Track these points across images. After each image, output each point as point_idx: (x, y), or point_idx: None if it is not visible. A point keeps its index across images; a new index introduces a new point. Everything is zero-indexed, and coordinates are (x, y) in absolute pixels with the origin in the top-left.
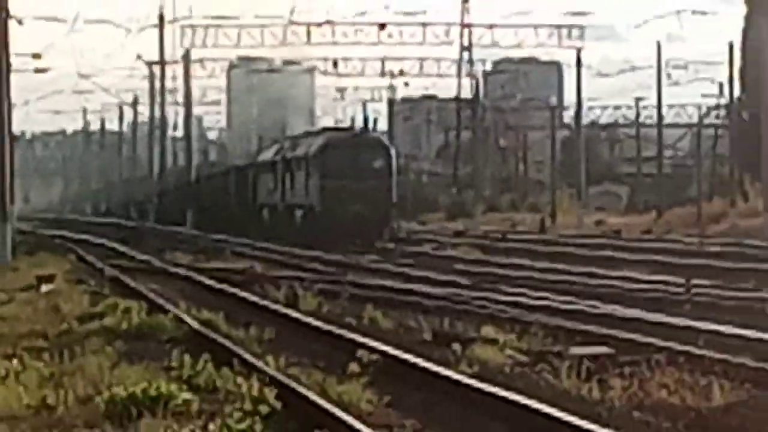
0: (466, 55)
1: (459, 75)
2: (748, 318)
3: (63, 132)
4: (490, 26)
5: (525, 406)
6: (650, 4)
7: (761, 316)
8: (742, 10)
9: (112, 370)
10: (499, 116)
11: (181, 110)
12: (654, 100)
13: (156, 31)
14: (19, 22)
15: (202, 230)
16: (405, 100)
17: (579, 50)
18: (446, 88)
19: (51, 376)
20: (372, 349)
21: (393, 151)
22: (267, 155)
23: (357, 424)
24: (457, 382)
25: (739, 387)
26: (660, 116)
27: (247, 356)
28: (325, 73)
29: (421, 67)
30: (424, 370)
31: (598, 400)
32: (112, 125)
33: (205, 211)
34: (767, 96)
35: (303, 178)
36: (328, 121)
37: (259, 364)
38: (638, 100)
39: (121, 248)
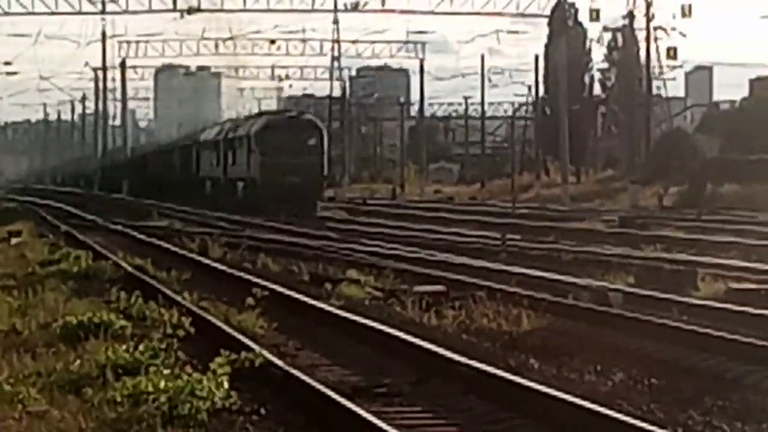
0: (336, 63)
1: (331, 79)
2: (549, 264)
3: (28, 121)
4: (354, 41)
5: (379, 330)
6: (476, 25)
7: (558, 262)
8: (546, 31)
9: (65, 303)
10: (361, 110)
11: (119, 105)
12: (478, 99)
13: (100, 44)
14: None
15: (135, 197)
16: (289, 98)
17: (422, 60)
18: (321, 89)
19: (19, 307)
20: (264, 287)
21: (325, 132)
22: (209, 135)
23: (252, 344)
24: (329, 312)
25: (542, 316)
26: (483, 111)
27: (169, 292)
28: (228, 77)
29: (302, 72)
30: (304, 303)
31: (435, 326)
32: (66, 116)
33: (149, 183)
34: (563, 96)
35: (245, 154)
36: (231, 114)
37: (178, 298)
38: (466, 98)
39: (73, 210)
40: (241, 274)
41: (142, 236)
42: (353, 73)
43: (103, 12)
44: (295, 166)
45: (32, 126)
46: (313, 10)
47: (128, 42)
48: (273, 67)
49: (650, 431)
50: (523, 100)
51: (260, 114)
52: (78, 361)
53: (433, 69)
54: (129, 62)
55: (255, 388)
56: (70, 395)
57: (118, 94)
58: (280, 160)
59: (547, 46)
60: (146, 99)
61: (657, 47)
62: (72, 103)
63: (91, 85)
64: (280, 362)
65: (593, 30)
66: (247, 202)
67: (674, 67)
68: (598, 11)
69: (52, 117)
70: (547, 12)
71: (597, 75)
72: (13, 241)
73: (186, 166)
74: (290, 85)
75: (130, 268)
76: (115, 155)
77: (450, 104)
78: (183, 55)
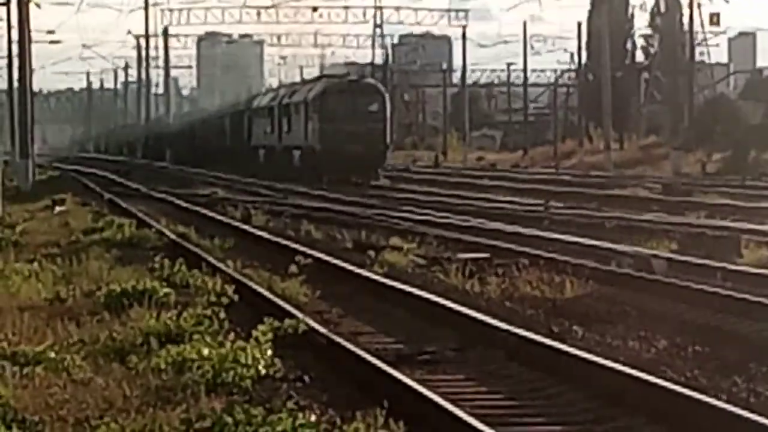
0: (378, 30)
1: (373, 46)
2: (592, 231)
3: (71, 90)
4: (397, 8)
5: (422, 297)
6: None
7: (601, 229)
8: None
9: (109, 271)
10: (404, 77)
11: (162, 73)
12: (521, 66)
13: (142, 12)
14: (38, 5)
15: (179, 165)
16: (332, 66)
17: (464, 27)
18: (363, 57)
19: (63, 276)
20: (307, 255)
21: (387, 97)
22: (262, 101)
23: (295, 311)
24: (372, 279)
25: (585, 283)
26: (525, 78)
27: (212, 260)
28: (271, 45)
29: (344, 40)
30: (347, 270)
31: (479, 293)
32: (109, 84)
33: (197, 151)
34: (606, 63)
35: (302, 121)
36: (274, 82)
37: (221, 266)
38: (509, 65)
39: (116, 178)
40: (284, 241)
41: (185, 204)
42: (396, 40)
43: None
44: (356, 134)
45: (75, 94)
46: None
47: (171, 10)
48: (315, 35)
49: (694, 398)
50: (565, 67)
51: (319, 78)
52: (122, 329)
53: (476, 36)
54: (171, 30)
55: (298, 356)
56: (115, 363)
57: (161, 62)
58: (341, 126)
59: (589, 13)
60: (189, 67)
61: (700, 13)
62: (115, 71)
63: (134, 53)
64: (323, 329)
65: None
66: (305, 171)
67: (717, 33)
68: None
69: (95, 85)
70: None
71: (640, 41)
72: (57, 209)
73: (237, 134)
74: (333, 53)
75: (173, 236)
76: (160, 123)
77: (492, 71)
78: (225, 22)
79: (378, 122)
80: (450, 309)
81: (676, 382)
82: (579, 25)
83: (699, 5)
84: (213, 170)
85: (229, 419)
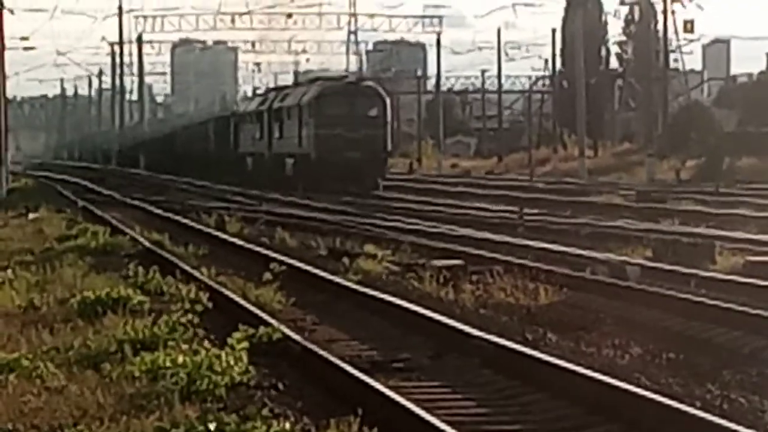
0: (353, 37)
1: (347, 53)
2: (567, 238)
3: (45, 96)
4: (372, 15)
5: (397, 305)
6: None
7: (575, 236)
8: (563, 3)
9: (83, 278)
10: (378, 84)
11: (136, 80)
12: (495, 72)
13: (116, 19)
14: (11, 11)
15: (152, 172)
16: (307, 72)
17: (438, 34)
18: (338, 63)
19: (37, 283)
20: (281, 262)
21: (387, 100)
22: (250, 106)
23: (270, 319)
24: (346, 287)
25: (559, 290)
26: (500, 84)
27: (186, 267)
28: (245, 51)
29: (319, 46)
30: (321, 277)
31: (453, 300)
32: (83, 91)
33: (178, 159)
34: (580, 69)
35: (296, 127)
36: (248, 89)
37: (196, 273)
38: (483, 72)
39: (91, 185)
40: (259, 248)
41: (159, 211)
42: (370, 47)
43: None
44: (355, 140)
45: (49, 101)
46: None
47: (145, 16)
48: (290, 41)
49: (668, 405)
50: (540, 73)
51: (313, 80)
52: (96, 337)
53: (450, 43)
54: (146, 37)
55: (273, 363)
56: (89, 370)
57: (135, 69)
58: (338, 132)
59: (563, 20)
60: (163, 74)
61: (674, 20)
62: (89, 78)
63: (108, 59)
64: (297, 337)
65: (609, 3)
66: (298, 180)
67: (691, 41)
68: None
69: (69, 92)
70: None
71: (614, 48)
72: (31, 216)
73: (222, 140)
74: (307, 60)
75: (147, 243)
76: (136, 130)
77: (467, 78)
78: (199, 29)
79: (378, 128)
80: (425, 316)
81: (651, 390)
82: (553, 31)
83: (673, 12)
84: (192, 178)
85: (203, 427)
